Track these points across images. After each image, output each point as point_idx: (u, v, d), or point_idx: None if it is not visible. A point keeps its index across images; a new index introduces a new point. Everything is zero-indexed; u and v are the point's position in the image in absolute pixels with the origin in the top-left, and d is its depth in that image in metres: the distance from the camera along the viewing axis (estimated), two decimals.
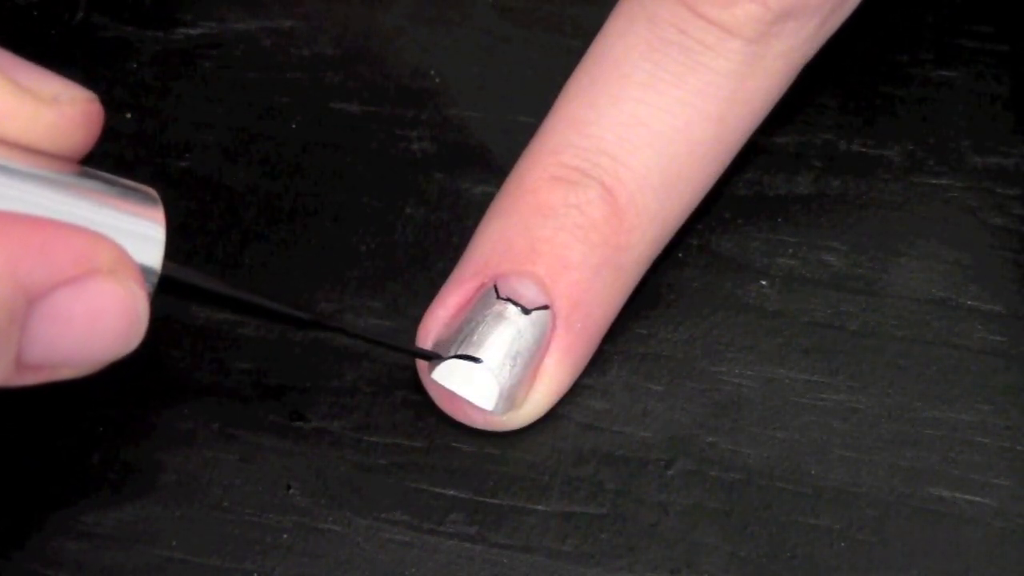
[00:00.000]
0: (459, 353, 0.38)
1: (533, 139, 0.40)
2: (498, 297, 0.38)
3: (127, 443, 0.40)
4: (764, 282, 0.41)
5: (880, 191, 0.43)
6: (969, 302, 0.41)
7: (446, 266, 0.41)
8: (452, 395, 0.38)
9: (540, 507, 0.39)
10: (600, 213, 0.38)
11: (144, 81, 0.45)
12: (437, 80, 0.45)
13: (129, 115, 0.45)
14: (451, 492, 0.39)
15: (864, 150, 0.43)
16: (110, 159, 0.44)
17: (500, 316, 0.38)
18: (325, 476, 0.39)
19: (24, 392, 0.40)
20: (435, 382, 0.39)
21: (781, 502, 0.39)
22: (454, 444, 0.39)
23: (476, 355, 0.38)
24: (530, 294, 0.38)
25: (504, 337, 0.38)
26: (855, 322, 0.41)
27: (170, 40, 0.46)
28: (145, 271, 0.33)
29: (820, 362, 0.40)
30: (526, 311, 0.38)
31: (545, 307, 0.38)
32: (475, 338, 0.38)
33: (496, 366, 0.38)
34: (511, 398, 0.38)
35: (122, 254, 0.32)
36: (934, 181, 0.43)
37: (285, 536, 0.38)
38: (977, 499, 0.38)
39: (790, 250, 0.42)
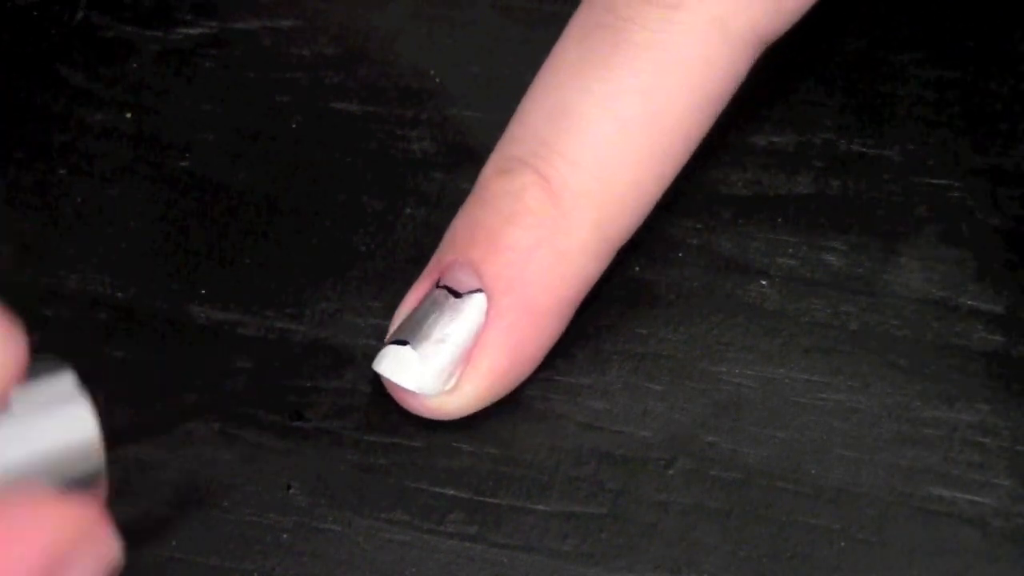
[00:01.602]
0: (395, 339, 0.39)
1: None
2: (437, 286, 0.39)
3: (127, 443, 0.40)
4: (764, 282, 0.41)
5: (880, 191, 0.43)
6: (969, 302, 0.41)
7: None
8: (391, 382, 0.39)
9: (540, 507, 0.39)
10: (534, 198, 0.39)
11: (144, 81, 0.45)
12: (437, 80, 0.45)
13: (129, 115, 0.45)
14: (451, 492, 0.39)
15: (864, 150, 0.43)
16: (110, 159, 0.44)
17: (432, 302, 0.39)
18: (325, 476, 0.39)
19: None
20: (377, 372, 0.39)
21: (781, 502, 0.39)
22: (454, 444, 0.39)
23: (407, 337, 0.38)
24: (466, 280, 0.39)
25: (431, 320, 0.38)
26: (855, 322, 0.41)
27: (170, 40, 0.46)
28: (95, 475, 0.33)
29: (820, 362, 0.40)
30: (457, 294, 0.38)
31: (478, 289, 0.39)
32: (410, 324, 0.39)
33: (421, 347, 0.38)
34: (440, 378, 0.38)
35: (87, 525, 0.31)
36: (934, 181, 0.43)
37: (285, 536, 0.38)
38: (977, 499, 0.38)
39: (790, 250, 0.42)
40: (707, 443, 0.39)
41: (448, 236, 0.40)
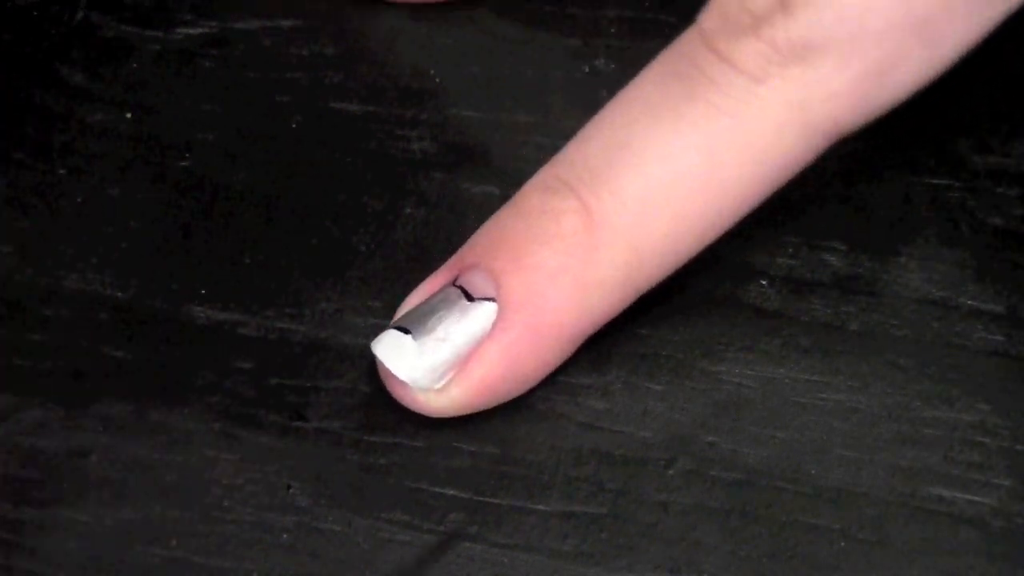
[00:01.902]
0: (398, 324, 0.39)
1: None
2: (454, 284, 0.39)
3: (127, 443, 0.40)
4: (764, 282, 0.41)
5: (881, 190, 0.43)
6: (969, 302, 0.41)
7: None
8: (383, 367, 0.39)
9: (540, 507, 0.39)
10: (571, 224, 0.38)
11: (144, 81, 0.45)
12: (437, 80, 0.45)
13: (129, 115, 0.45)
14: (451, 492, 0.39)
15: (865, 150, 0.43)
16: (110, 159, 0.44)
17: (444, 299, 0.39)
18: (325, 476, 0.39)
19: (23, 392, 0.40)
20: (373, 351, 0.39)
21: (781, 502, 0.39)
22: (454, 444, 0.39)
23: (410, 327, 0.38)
24: (483, 286, 0.39)
25: (437, 315, 0.38)
26: (855, 322, 0.41)
27: (170, 40, 0.46)
28: None
29: (820, 362, 0.40)
30: (470, 298, 0.38)
31: (492, 299, 0.38)
32: (417, 314, 0.39)
33: (421, 340, 0.38)
34: (432, 375, 0.38)
35: None
36: (934, 181, 0.43)
37: (285, 536, 0.38)
38: (977, 499, 0.38)
39: (790, 250, 0.42)
40: (707, 443, 0.39)
41: (475, 237, 0.40)
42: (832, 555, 0.38)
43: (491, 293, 0.38)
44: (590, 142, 0.39)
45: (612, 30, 0.46)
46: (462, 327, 0.38)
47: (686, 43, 0.39)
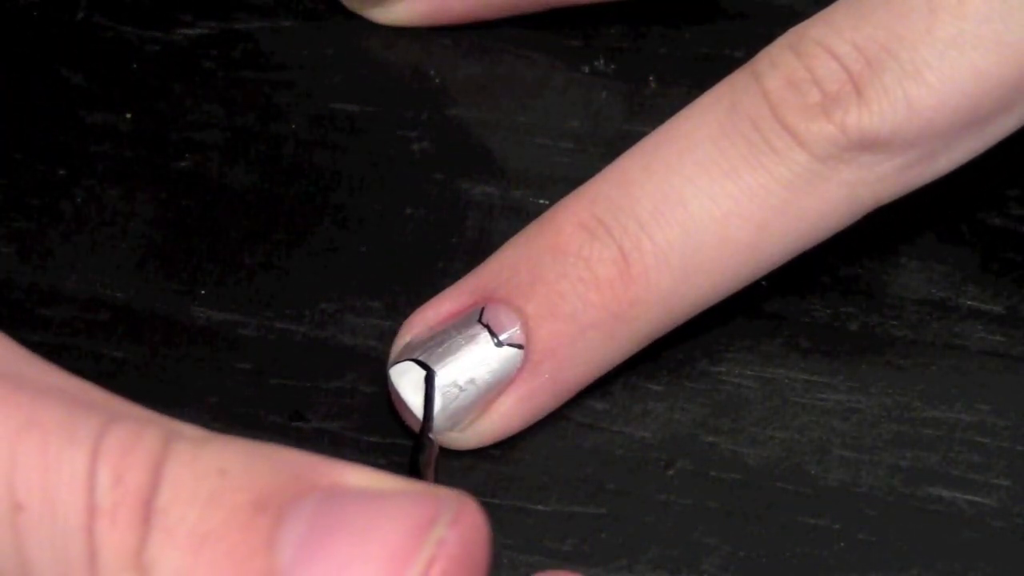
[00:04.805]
0: (420, 359, 0.38)
1: (587, 182, 0.40)
2: (479, 320, 0.38)
3: None
4: (764, 282, 0.41)
5: None
6: (969, 302, 0.41)
7: (446, 266, 0.41)
8: (399, 395, 0.39)
9: (540, 507, 0.39)
10: (607, 274, 0.38)
11: (144, 81, 0.45)
12: (437, 80, 0.45)
13: (129, 115, 0.45)
14: None
15: None
16: (110, 159, 0.44)
17: (472, 339, 0.38)
18: None
19: None
20: (389, 377, 0.39)
21: (781, 502, 0.39)
22: None
23: (434, 366, 0.38)
24: (510, 327, 0.38)
25: (466, 359, 0.38)
26: (855, 322, 0.41)
27: (170, 40, 0.46)
28: None
29: (820, 362, 0.40)
30: (499, 343, 0.38)
31: (520, 346, 0.38)
32: (440, 350, 0.38)
33: (446, 383, 0.38)
34: (453, 419, 0.38)
35: None
36: (935, 181, 0.43)
37: None
38: (977, 499, 0.38)
39: None
40: (707, 443, 0.39)
41: (502, 261, 0.39)
42: (832, 555, 0.38)
43: (518, 338, 0.38)
44: (639, 187, 0.38)
45: (612, 30, 0.46)
46: (487, 371, 0.38)
47: (747, 100, 0.38)
